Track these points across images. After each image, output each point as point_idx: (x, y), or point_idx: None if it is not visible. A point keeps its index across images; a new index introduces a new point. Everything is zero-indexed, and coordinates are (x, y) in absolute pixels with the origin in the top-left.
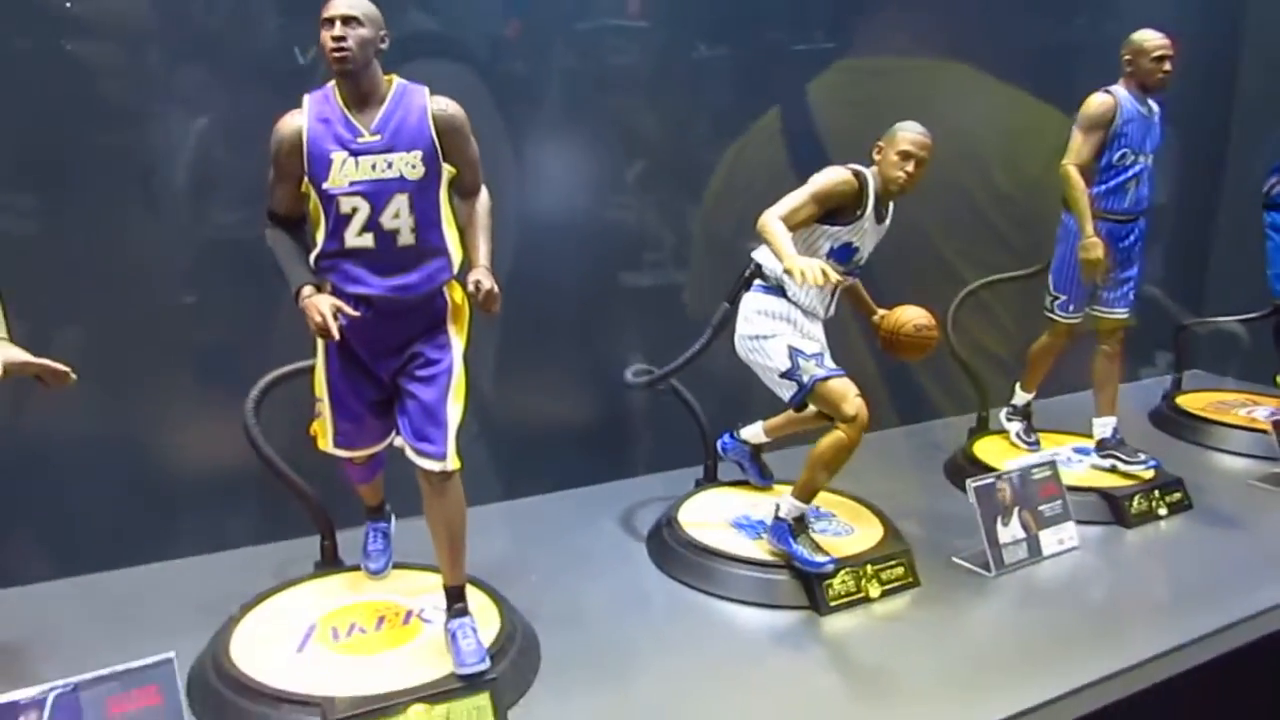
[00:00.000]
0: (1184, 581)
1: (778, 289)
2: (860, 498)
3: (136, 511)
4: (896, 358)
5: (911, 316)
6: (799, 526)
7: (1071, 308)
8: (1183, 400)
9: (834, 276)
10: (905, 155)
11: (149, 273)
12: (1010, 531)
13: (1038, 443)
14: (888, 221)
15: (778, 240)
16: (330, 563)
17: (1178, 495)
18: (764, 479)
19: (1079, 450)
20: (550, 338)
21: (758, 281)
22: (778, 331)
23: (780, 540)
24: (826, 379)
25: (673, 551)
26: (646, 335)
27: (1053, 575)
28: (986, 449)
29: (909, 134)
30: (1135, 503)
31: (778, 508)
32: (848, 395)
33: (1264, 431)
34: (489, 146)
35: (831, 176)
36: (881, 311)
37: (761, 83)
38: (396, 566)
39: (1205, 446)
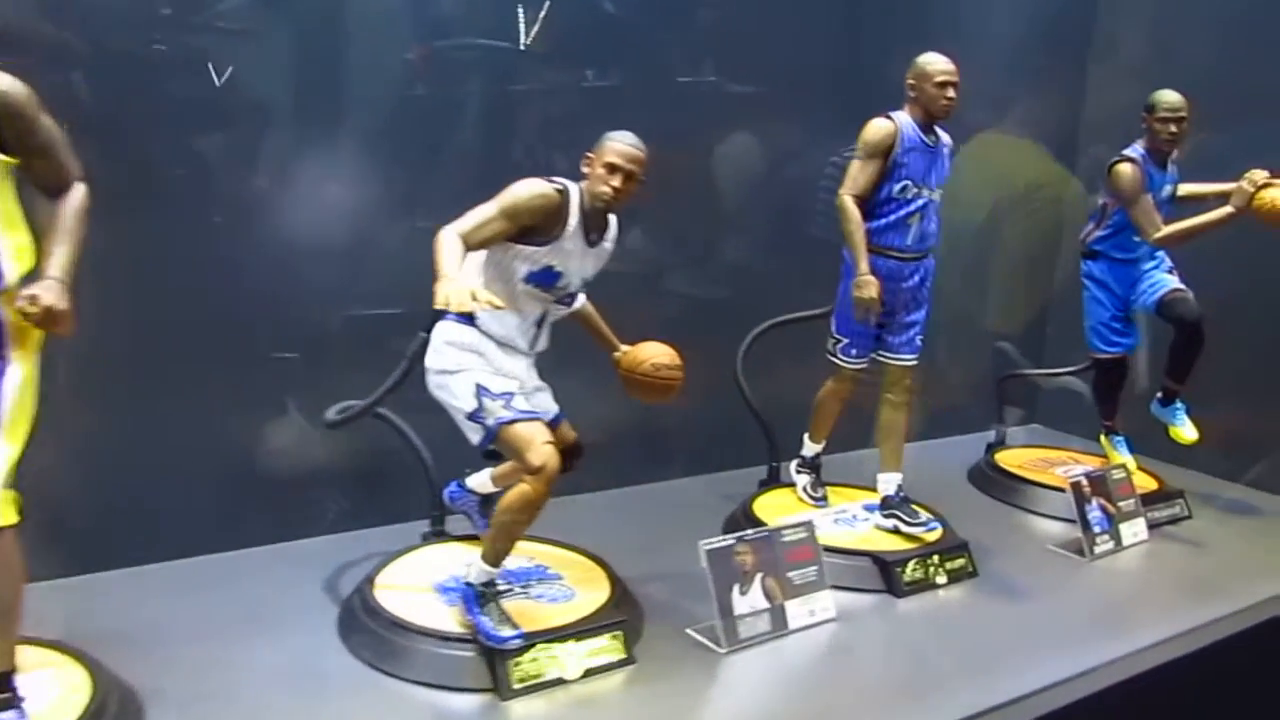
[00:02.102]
0: (946, 660)
1: (468, 317)
2: (600, 557)
3: None
4: (639, 400)
5: (650, 354)
6: (487, 594)
7: (854, 352)
8: (1003, 457)
9: (484, 301)
10: (612, 168)
11: None
12: (749, 601)
13: (825, 498)
14: (608, 244)
15: (441, 256)
16: None
17: (960, 561)
18: None
19: (868, 507)
20: (279, 369)
21: None
22: (465, 365)
23: (467, 609)
24: (511, 423)
25: (355, 620)
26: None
27: (797, 651)
28: (768, 505)
29: (617, 144)
30: (909, 569)
31: (467, 571)
32: (533, 443)
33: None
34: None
35: (526, 189)
36: (624, 348)
37: None
38: None
39: (1015, 506)
